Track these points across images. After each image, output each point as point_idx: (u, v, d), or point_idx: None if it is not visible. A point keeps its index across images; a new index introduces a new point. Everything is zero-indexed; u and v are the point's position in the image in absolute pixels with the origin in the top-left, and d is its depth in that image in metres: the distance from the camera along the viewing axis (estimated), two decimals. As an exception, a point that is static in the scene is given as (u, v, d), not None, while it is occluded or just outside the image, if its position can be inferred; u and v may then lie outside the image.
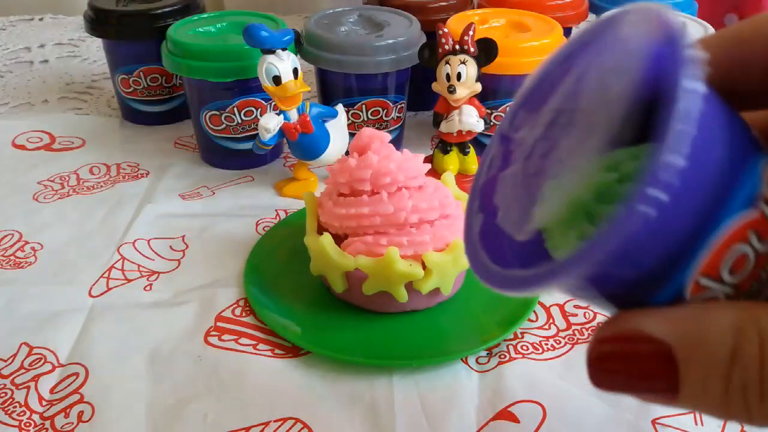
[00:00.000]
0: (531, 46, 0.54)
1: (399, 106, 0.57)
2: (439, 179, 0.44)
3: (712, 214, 0.16)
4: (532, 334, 0.40)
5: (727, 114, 0.17)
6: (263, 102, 0.55)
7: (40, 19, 0.92)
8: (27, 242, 0.48)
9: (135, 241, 0.48)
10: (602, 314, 0.40)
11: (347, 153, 0.52)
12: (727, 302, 0.17)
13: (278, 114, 0.50)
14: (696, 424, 0.34)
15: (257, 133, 0.51)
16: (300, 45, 0.55)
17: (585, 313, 0.42)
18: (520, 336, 0.40)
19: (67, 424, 0.34)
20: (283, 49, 0.48)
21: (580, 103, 0.18)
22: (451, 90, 0.49)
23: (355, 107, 0.56)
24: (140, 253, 0.47)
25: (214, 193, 0.54)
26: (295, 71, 0.49)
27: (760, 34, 0.18)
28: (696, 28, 0.58)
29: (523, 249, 0.19)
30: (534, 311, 0.41)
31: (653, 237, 0.15)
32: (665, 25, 0.16)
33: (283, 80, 0.48)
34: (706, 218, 0.16)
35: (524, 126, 0.20)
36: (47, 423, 0.34)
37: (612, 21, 0.18)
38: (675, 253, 0.16)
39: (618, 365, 0.17)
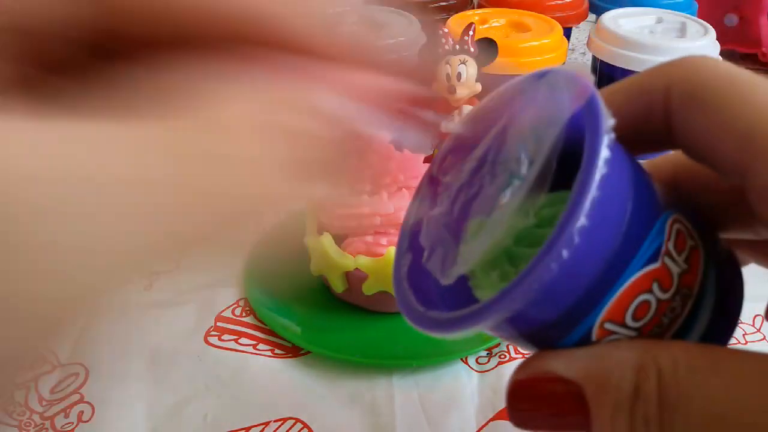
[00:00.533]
0: (531, 46, 0.54)
1: (399, 106, 0.57)
2: (439, 179, 0.44)
3: (619, 268, 0.17)
4: (532, 334, 0.40)
5: (635, 175, 0.18)
6: (263, 102, 0.54)
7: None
8: (27, 242, 0.48)
9: (135, 241, 0.48)
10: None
11: (347, 153, 0.52)
12: (628, 341, 0.18)
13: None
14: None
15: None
16: (300, 45, 0.55)
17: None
18: (520, 336, 0.40)
19: (67, 424, 0.34)
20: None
21: (502, 154, 0.20)
22: (451, 90, 0.49)
23: (355, 107, 0.56)
24: (140, 253, 0.47)
25: (214, 193, 0.54)
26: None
27: (657, 84, 0.19)
28: (696, 28, 0.58)
29: (449, 288, 0.20)
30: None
31: (564, 287, 0.17)
32: (583, 89, 0.17)
33: (283, 80, 0.48)
34: (613, 271, 0.17)
35: (451, 170, 0.21)
36: (47, 423, 0.34)
37: (537, 79, 0.19)
38: (584, 300, 0.17)
39: (533, 406, 0.19)
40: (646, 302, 0.18)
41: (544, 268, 0.16)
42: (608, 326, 0.18)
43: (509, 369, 0.37)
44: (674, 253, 0.18)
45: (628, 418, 0.17)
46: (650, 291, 0.18)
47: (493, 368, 0.38)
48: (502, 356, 0.38)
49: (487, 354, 0.39)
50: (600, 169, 0.16)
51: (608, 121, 0.16)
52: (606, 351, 0.18)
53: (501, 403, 0.35)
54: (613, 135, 0.16)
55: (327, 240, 0.39)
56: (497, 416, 0.35)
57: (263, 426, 0.34)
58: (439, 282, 0.20)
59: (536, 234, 0.19)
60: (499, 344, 0.39)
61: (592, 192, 0.16)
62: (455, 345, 0.39)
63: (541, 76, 0.19)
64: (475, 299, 0.20)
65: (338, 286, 0.40)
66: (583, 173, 0.16)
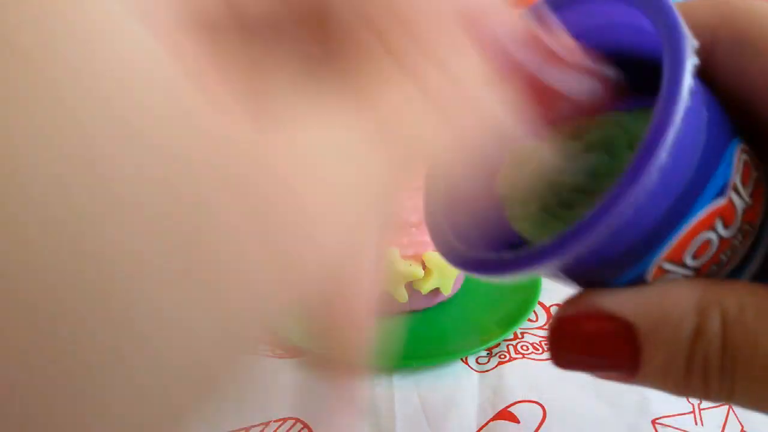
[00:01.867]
0: (531, 46, 0.54)
1: (399, 106, 0.57)
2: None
3: (690, 199, 0.16)
4: (532, 334, 0.40)
5: (708, 95, 0.17)
6: (263, 102, 0.54)
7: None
8: (27, 242, 0.48)
9: (135, 241, 0.48)
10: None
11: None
12: (689, 281, 0.17)
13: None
14: (696, 423, 0.34)
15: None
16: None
17: (585, 313, 0.42)
18: (520, 336, 0.40)
19: (67, 424, 0.34)
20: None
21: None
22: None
23: (355, 107, 0.56)
24: (140, 253, 0.47)
25: (213, 193, 0.54)
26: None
27: (702, 23, 0.18)
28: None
29: (483, 219, 0.18)
30: (534, 311, 0.41)
31: (637, 219, 0.15)
32: (660, 6, 0.15)
33: (283, 80, 0.48)
34: (684, 203, 0.16)
35: None
36: (47, 423, 0.34)
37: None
38: (649, 236, 0.16)
39: (578, 344, 0.18)
40: (708, 240, 0.16)
41: (642, 180, 0.13)
42: (666, 266, 0.16)
43: (509, 369, 0.37)
44: (740, 187, 0.17)
45: (685, 360, 0.16)
46: (713, 228, 0.16)
47: (493, 368, 0.38)
48: (502, 356, 0.38)
49: (487, 354, 0.39)
50: (688, 76, 0.14)
51: (691, 36, 0.15)
52: (664, 289, 0.17)
53: (501, 403, 0.35)
54: (696, 44, 0.14)
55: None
56: (497, 416, 0.35)
57: (263, 426, 0.34)
58: (471, 214, 0.18)
59: (586, 161, 0.17)
60: (499, 344, 0.39)
61: (684, 97, 0.13)
62: (455, 345, 0.39)
63: None
64: (514, 234, 0.18)
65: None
66: (670, 82, 0.14)
